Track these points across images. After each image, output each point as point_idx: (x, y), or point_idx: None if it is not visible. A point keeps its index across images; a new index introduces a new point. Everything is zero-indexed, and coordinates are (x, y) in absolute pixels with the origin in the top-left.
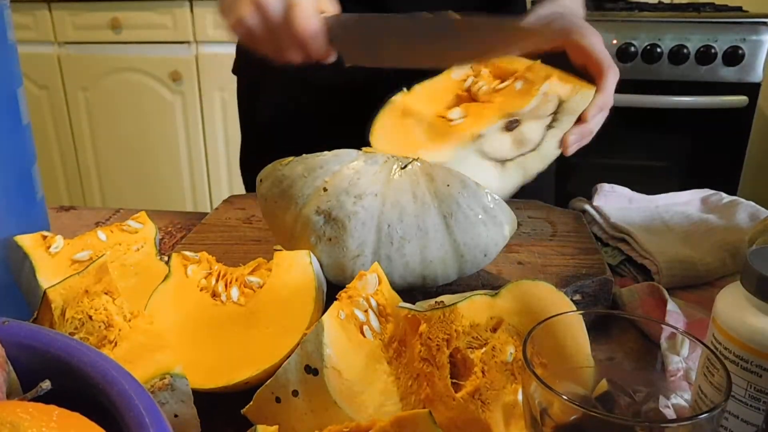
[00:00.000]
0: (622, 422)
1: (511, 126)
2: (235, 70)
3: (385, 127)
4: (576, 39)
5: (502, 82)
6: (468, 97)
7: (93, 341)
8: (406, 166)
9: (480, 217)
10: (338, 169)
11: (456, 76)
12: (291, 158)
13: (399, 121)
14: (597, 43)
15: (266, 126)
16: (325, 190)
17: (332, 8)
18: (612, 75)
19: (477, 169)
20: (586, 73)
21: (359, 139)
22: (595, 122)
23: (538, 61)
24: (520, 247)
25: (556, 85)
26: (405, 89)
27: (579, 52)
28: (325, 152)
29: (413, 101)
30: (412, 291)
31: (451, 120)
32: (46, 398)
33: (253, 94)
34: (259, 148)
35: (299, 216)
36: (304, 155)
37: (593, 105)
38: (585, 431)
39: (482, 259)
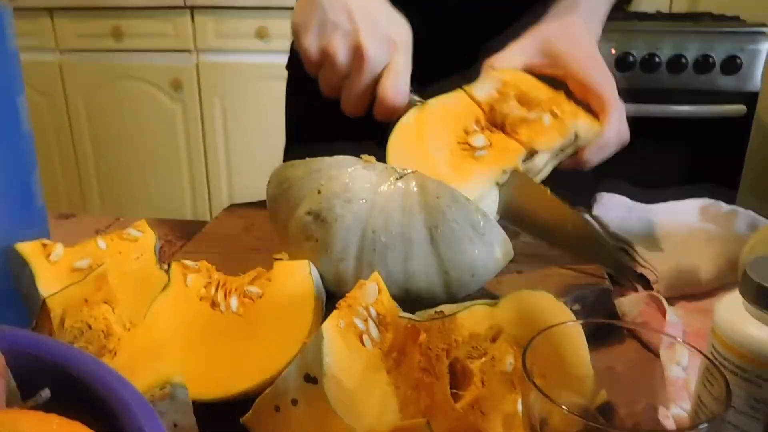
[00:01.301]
0: None
1: (528, 158)
2: (289, 66)
3: (401, 150)
4: (574, 71)
5: (529, 110)
6: (488, 119)
7: (92, 350)
8: (402, 177)
9: (467, 232)
10: (335, 174)
11: (480, 94)
12: (296, 161)
13: (416, 144)
14: (598, 75)
15: (311, 119)
16: (319, 192)
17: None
18: (615, 111)
19: (494, 201)
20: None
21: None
22: (595, 158)
23: (562, 93)
24: (519, 256)
25: (582, 124)
26: (420, 102)
27: (579, 85)
28: (327, 157)
29: (429, 120)
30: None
31: (474, 148)
32: (45, 406)
33: (303, 86)
34: (303, 143)
35: (294, 216)
36: (307, 159)
37: (596, 142)
38: None
39: (469, 279)
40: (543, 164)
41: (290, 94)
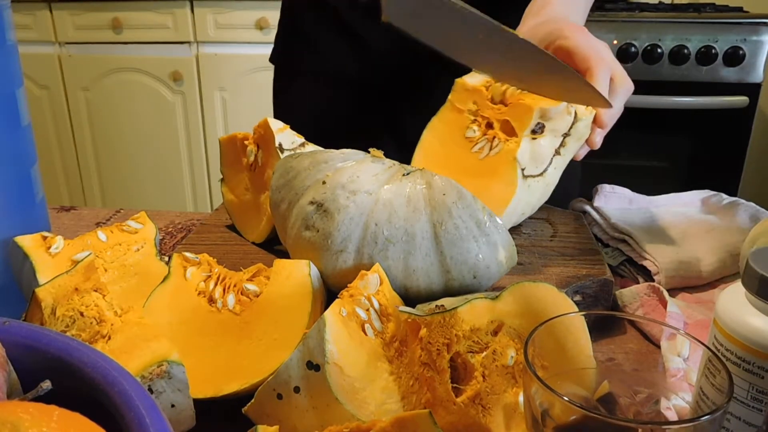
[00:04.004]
0: (623, 424)
1: (536, 129)
2: (272, 59)
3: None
4: (559, 43)
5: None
6: (488, 99)
7: (85, 337)
8: (409, 173)
9: (471, 231)
10: (341, 166)
11: (474, 81)
12: (303, 152)
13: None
14: (582, 40)
15: (299, 115)
16: (324, 183)
17: None
18: (601, 66)
19: (527, 191)
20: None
21: (384, 136)
22: (606, 118)
23: None
24: (520, 248)
25: (579, 106)
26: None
27: (564, 55)
28: (334, 150)
29: (433, 150)
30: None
31: (475, 141)
32: (46, 398)
33: (288, 83)
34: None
35: (296, 205)
36: (314, 150)
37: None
38: None
39: (471, 280)
40: (548, 157)
41: (277, 88)
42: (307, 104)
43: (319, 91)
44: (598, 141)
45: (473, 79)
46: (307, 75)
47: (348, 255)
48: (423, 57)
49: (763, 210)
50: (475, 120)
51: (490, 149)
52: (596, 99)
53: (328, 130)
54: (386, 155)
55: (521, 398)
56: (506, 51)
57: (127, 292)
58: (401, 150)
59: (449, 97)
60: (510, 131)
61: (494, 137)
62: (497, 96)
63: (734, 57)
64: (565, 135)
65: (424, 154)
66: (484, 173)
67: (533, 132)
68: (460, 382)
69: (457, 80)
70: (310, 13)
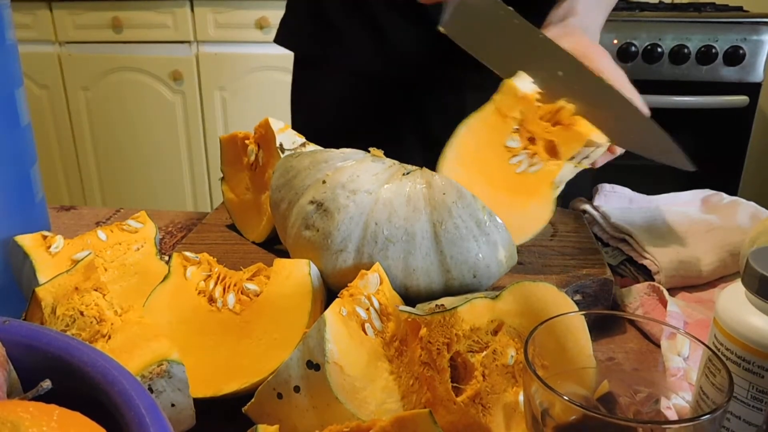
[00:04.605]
0: (623, 423)
1: (576, 155)
2: (280, 40)
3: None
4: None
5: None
6: (539, 115)
7: (85, 336)
8: (409, 173)
9: (471, 231)
10: (341, 166)
11: (525, 87)
12: (303, 152)
13: (466, 179)
14: (606, 66)
15: (319, 109)
16: (324, 182)
17: None
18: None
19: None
20: None
21: (408, 134)
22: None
23: None
24: (520, 248)
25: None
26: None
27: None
28: (334, 149)
29: (468, 151)
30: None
31: (516, 164)
32: (46, 398)
33: (310, 76)
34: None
35: (296, 205)
36: (314, 149)
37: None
38: None
39: (471, 280)
40: (569, 173)
41: (296, 81)
42: (330, 99)
43: (342, 85)
44: (602, 163)
45: (524, 85)
46: (331, 68)
47: (348, 254)
48: (448, 56)
49: (763, 210)
50: (518, 130)
51: (529, 165)
52: (681, 160)
53: (350, 126)
54: (409, 153)
55: (521, 398)
56: (585, 91)
57: (127, 292)
58: (425, 148)
59: (494, 96)
60: (551, 151)
61: (535, 154)
62: (549, 115)
63: (734, 56)
64: (584, 158)
65: (457, 151)
66: (519, 189)
67: (572, 157)
68: (460, 381)
69: (507, 81)
70: (336, 3)
